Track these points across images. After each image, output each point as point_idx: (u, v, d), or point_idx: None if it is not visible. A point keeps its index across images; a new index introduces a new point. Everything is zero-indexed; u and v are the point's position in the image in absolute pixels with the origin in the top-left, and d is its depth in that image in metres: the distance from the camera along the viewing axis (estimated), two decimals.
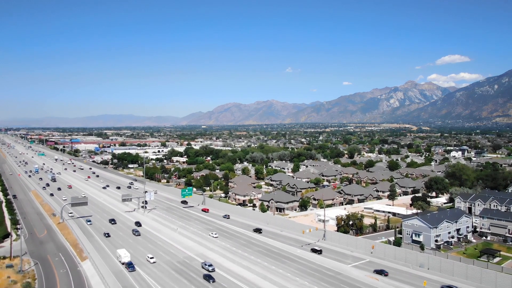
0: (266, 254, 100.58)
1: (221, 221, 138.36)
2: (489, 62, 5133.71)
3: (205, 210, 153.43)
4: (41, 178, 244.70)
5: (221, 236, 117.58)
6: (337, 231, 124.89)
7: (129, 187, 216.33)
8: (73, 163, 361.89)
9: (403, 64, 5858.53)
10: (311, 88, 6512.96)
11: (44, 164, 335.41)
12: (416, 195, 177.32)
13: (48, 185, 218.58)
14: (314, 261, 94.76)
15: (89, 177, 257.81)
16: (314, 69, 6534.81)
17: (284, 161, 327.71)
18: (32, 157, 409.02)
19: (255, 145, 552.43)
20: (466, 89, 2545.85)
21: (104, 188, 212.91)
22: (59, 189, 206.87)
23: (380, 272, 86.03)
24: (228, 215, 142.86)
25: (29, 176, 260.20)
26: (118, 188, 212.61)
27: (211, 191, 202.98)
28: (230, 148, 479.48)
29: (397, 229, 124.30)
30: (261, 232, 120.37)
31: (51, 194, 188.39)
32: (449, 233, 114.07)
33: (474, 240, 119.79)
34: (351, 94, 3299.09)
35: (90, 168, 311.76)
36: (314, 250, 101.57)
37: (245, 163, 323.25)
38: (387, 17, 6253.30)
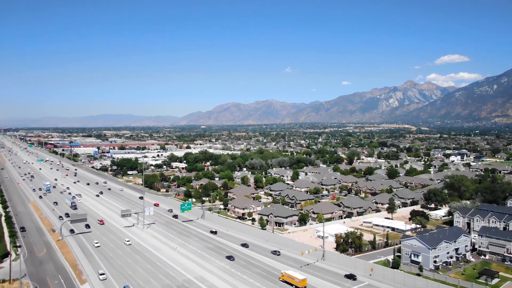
0: (265, 276, 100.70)
1: (220, 238, 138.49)
2: (488, 62, 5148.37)
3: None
4: (55, 203, 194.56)
5: (220, 255, 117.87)
6: (336, 249, 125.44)
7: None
8: (62, 165, 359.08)
9: (402, 64, 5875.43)
10: (310, 88, 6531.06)
11: (56, 180, 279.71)
12: (415, 208, 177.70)
13: (67, 215, 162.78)
14: (314, 286, 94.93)
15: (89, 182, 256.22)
16: (314, 69, 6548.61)
17: (283, 168, 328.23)
18: (40, 168, 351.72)
19: (254, 148, 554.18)
20: (465, 89, 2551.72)
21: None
22: (87, 226, 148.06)
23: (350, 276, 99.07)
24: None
25: (40, 197, 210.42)
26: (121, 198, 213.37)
27: (210, 202, 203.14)
28: (229, 152, 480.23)
29: (396, 247, 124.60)
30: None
31: (72, 230, 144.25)
32: (448, 253, 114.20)
33: (472, 259, 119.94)
34: (350, 94, 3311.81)
35: (78, 180, 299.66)
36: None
37: (245, 169, 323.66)
38: (386, 17, 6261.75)
